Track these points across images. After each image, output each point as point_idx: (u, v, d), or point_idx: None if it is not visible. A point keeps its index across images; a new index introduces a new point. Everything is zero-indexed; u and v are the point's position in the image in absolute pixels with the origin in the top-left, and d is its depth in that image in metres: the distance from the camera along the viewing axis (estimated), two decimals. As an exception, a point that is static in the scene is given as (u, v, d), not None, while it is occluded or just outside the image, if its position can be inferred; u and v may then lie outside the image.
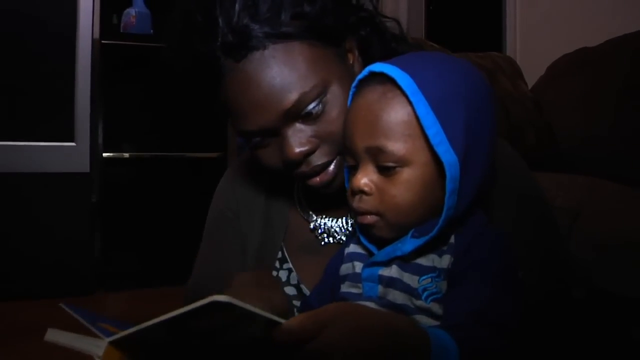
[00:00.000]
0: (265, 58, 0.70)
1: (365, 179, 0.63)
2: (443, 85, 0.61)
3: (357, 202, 0.64)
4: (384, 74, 0.62)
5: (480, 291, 0.58)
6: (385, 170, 0.62)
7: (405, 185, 0.62)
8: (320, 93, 0.71)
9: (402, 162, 0.61)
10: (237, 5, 0.69)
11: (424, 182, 0.62)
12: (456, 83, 0.62)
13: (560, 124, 2.08)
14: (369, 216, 0.64)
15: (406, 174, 0.62)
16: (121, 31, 2.63)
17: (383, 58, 0.80)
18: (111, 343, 0.49)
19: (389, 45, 0.84)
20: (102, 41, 2.46)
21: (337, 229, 0.85)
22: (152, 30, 2.61)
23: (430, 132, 0.59)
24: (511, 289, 0.61)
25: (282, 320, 0.47)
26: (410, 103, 0.60)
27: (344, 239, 0.84)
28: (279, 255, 0.88)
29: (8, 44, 2.21)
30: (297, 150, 0.72)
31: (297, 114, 0.71)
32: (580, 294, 0.80)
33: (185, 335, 0.49)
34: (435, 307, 0.61)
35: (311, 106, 0.71)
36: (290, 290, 0.86)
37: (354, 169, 0.66)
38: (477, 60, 2.12)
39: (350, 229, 0.84)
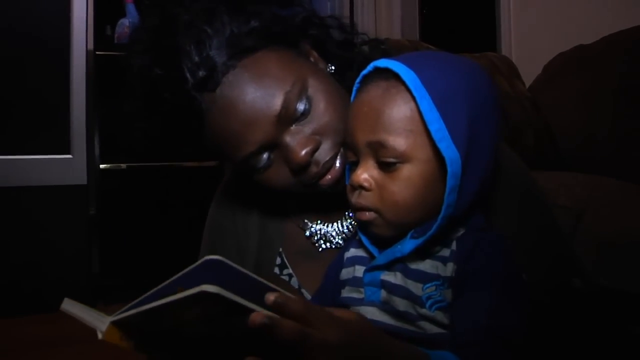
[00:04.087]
0: (238, 76, 0.71)
1: (366, 174, 0.62)
2: (446, 82, 0.61)
3: (355, 198, 0.64)
4: (389, 70, 0.62)
5: (486, 302, 0.57)
6: (386, 167, 0.61)
7: (406, 183, 0.61)
8: (302, 89, 0.72)
9: (403, 158, 0.60)
10: (192, 44, 0.70)
11: (425, 180, 0.61)
12: (460, 80, 0.62)
13: (558, 123, 2.08)
14: (367, 213, 0.63)
15: (407, 171, 0.61)
16: (115, 42, 2.62)
17: (340, 52, 0.84)
18: (113, 323, 0.52)
19: (339, 37, 0.85)
20: (97, 52, 2.45)
21: (334, 233, 0.85)
22: (146, 40, 2.59)
23: (432, 128, 0.59)
24: (517, 297, 0.60)
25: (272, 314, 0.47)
26: (413, 99, 0.59)
27: (341, 242, 0.84)
28: (278, 261, 0.88)
29: (1, 57, 2.20)
30: (303, 152, 0.72)
31: (288, 116, 0.72)
32: (577, 284, 0.79)
33: (177, 323, 0.52)
34: (440, 316, 0.59)
35: (299, 105, 0.72)
36: None
37: (354, 165, 0.65)
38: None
39: (346, 231, 0.84)
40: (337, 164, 0.74)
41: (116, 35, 2.64)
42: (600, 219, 1.37)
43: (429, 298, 0.60)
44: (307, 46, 0.80)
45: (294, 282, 0.86)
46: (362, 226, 0.66)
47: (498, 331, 0.56)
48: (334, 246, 0.84)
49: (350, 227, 0.84)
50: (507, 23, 2.88)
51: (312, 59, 0.80)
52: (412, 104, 0.60)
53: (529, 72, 2.32)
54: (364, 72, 0.66)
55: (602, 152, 1.90)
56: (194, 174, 2.64)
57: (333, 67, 0.82)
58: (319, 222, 0.86)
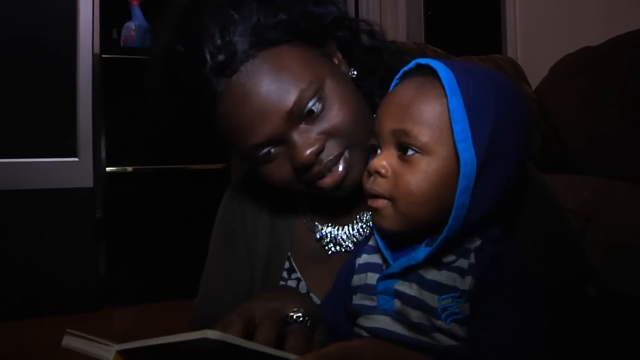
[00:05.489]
0: (257, 66, 0.71)
1: (384, 161, 0.63)
2: (480, 89, 0.62)
3: (370, 184, 0.64)
4: (428, 67, 0.63)
5: (510, 321, 0.57)
6: (406, 155, 0.62)
7: (422, 175, 0.61)
8: (317, 89, 0.72)
9: (424, 150, 0.61)
10: (217, 27, 0.71)
11: (441, 176, 0.61)
12: (493, 91, 0.63)
13: (565, 125, 2.07)
14: (379, 200, 0.63)
15: (425, 164, 0.61)
16: (121, 45, 2.63)
17: (365, 58, 0.83)
18: (119, 352, 0.53)
19: (367, 43, 0.85)
20: (103, 55, 2.46)
21: (344, 237, 0.84)
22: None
23: (456, 128, 0.60)
24: (538, 313, 0.59)
25: (286, 354, 0.50)
26: (445, 96, 0.61)
27: (351, 246, 0.84)
28: (287, 265, 0.88)
29: (8, 60, 2.21)
30: (307, 152, 0.72)
31: (299, 114, 0.72)
32: (592, 292, 0.79)
33: (181, 357, 0.53)
34: (456, 328, 0.59)
35: (311, 104, 0.72)
36: None
37: (374, 153, 0.66)
38: (478, 62, 2.10)
39: (356, 235, 0.84)
40: (340, 168, 0.74)
41: (122, 39, 2.65)
42: (608, 223, 1.37)
43: (444, 310, 0.60)
44: (333, 47, 0.80)
45: (302, 286, 0.86)
46: (373, 220, 0.67)
47: (522, 351, 0.56)
48: (343, 250, 0.84)
49: (360, 230, 0.84)
50: (513, 24, 2.88)
51: (335, 61, 0.80)
52: (444, 101, 0.61)
53: (535, 74, 2.32)
54: (405, 68, 0.67)
55: (609, 153, 1.89)
56: (200, 177, 2.65)
57: (355, 72, 0.82)
58: (329, 224, 0.86)
